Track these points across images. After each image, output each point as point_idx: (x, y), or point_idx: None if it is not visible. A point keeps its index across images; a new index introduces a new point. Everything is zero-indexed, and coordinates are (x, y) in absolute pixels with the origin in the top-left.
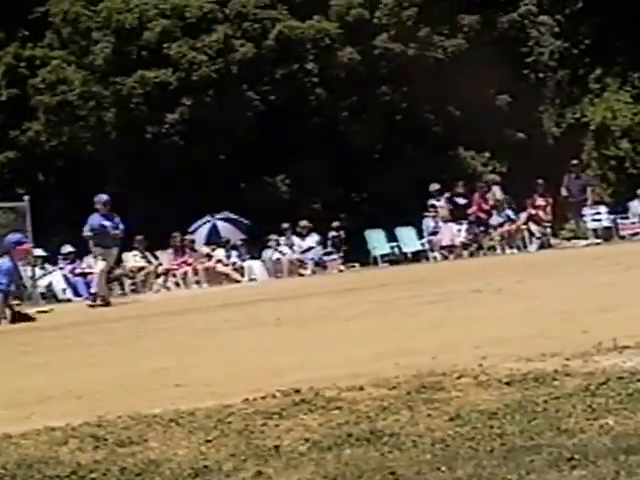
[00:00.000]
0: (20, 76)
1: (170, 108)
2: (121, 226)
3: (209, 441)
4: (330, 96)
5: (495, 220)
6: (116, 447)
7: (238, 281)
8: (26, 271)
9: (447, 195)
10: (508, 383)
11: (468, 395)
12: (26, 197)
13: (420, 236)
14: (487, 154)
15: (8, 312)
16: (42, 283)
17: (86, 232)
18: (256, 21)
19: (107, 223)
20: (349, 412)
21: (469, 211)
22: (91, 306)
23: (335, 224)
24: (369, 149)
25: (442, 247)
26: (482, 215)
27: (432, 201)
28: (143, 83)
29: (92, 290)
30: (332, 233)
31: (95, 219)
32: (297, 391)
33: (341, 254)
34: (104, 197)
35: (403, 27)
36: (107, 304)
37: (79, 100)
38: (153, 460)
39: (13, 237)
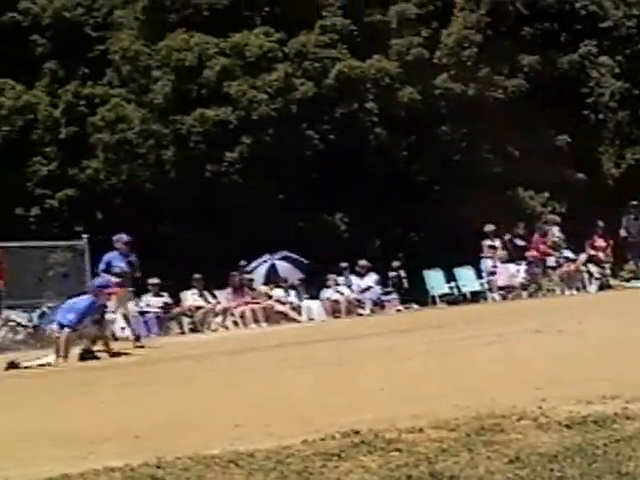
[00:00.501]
0: (79, 114)
1: (229, 146)
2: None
3: None
4: (390, 135)
5: (554, 261)
6: None
7: (296, 321)
8: None
9: (507, 237)
10: (568, 426)
11: (528, 437)
12: (84, 235)
13: (479, 276)
14: (546, 194)
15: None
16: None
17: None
18: (316, 60)
19: (123, 264)
20: (408, 454)
21: (528, 252)
22: (140, 346)
23: (395, 264)
24: (428, 188)
25: (501, 287)
26: (541, 256)
27: (488, 241)
28: (202, 121)
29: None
30: (392, 273)
31: (116, 259)
32: (356, 432)
33: (400, 294)
34: (125, 237)
35: (463, 67)
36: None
37: (138, 138)
38: None
39: (98, 280)
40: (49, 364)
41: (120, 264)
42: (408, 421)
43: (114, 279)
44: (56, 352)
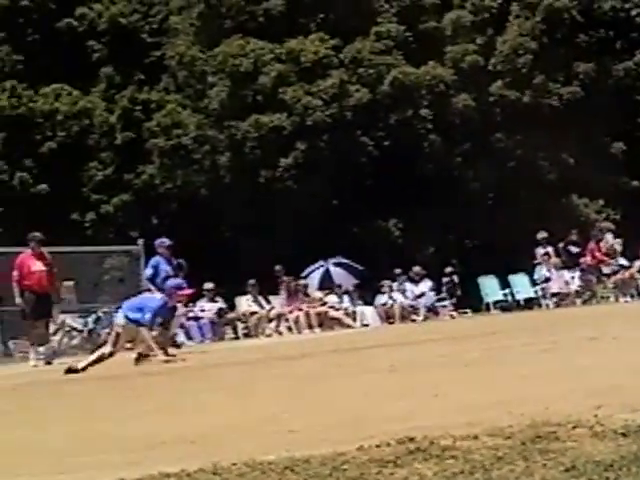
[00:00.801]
0: (135, 119)
1: (284, 152)
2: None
3: None
4: (444, 142)
5: (609, 268)
6: None
7: (350, 326)
8: None
9: (561, 244)
10: (624, 434)
11: (583, 446)
12: (140, 240)
13: (533, 283)
14: (601, 202)
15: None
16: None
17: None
18: (371, 66)
19: (168, 268)
20: (464, 461)
21: (582, 259)
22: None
23: (448, 269)
24: (482, 195)
25: (554, 294)
26: (595, 263)
27: (541, 249)
28: (257, 127)
29: None
30: (445, 278)
31: (162, 263)
32: (411, 439)
33: (454, 300)
34: (166, 241)
35: (518, 74)
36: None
37: (194, 144)
38: None
39: (173, 282)
40: (103, 354)
41: (166, 268)
42: (463, 428)
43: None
44: (112, 344)
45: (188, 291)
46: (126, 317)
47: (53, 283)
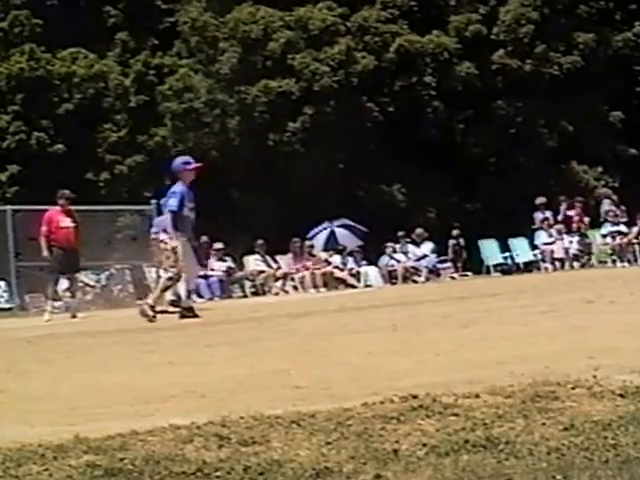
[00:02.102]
0: (149, 83)
1: (292, 117)
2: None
3: (329, 443)
4: (447, 108)
5: (607, 232)
6: (240, 446)
7: (354, 286)
8: (150, 272)
9: (561, 208)
10: (622, 395)
11: (582, 405)
12: (153, 200)
13: (532, 247)
14: (599, 168)
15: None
16: None
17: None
18: (377, 34)
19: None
20: (465, 419)
21: (580, 224)
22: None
23: (455, 232)
24: (484, 160)
25: (553, 258)
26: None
27: (540, 213)
28: (266, 92)
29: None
30: (452, 241)
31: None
32: (414, 397)
33: (460, 262)
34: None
35: (520, 43)
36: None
37: (205, 107)
38: (276, 460)
39: (180, 159)
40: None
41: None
42: (464, 387)
43: None
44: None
45: (196, 165)
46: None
47: (78, 239)
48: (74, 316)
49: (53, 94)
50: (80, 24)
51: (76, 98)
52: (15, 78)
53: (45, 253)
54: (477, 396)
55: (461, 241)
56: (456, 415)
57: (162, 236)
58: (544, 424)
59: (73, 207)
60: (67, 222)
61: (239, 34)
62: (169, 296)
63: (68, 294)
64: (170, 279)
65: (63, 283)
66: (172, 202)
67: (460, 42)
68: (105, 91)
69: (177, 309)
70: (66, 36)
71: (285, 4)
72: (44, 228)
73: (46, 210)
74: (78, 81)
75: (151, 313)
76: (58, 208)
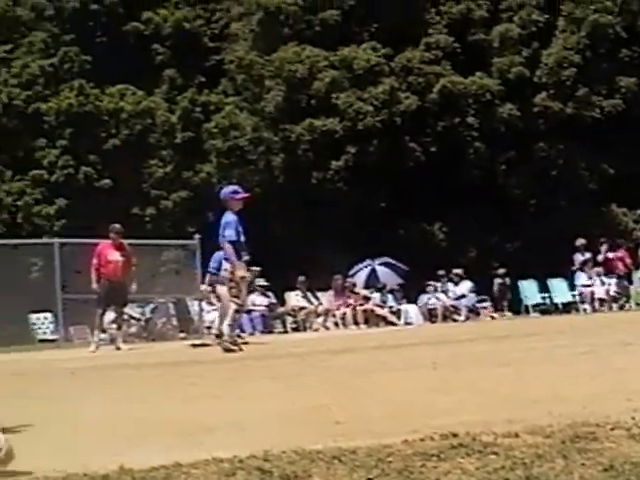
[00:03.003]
0: (195, 120)
1: (335, 155)
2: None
3: (370, 479)
4: (488, 149)
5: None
6: None
7: (394, 324)
8: (193, 305)
9: (602, 250)
10: None
11: (621, 447)
12: (196, 235)
13: (571, 288)
14: (639, 211)
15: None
16: (208, 317)
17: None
18: (421, 75)
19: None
20: (505, 458)
21: (619, 266)
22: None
23: (501, 271)
24: (524, 201)
25: (592, 300)
26: (628, 270)
27: (579, 255)
28: (311, 130)
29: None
30: (498, 280)
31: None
32: (454, 435)
33: (505, 301)
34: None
35: (562, 86)
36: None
37: (250, 145)
38: None
39: (228, 188)
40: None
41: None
42: (503, 425)
43: None
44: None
45: (244, 195)
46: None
47: (128, 273)
48: (118, 348)
49: (101, 129)
50: (128, 61)
51: (123, 134)
52: (64, 113)
53: (94, 285)
54: (517, 435)
55: (507, 280)
56: (496, 454)
57: (225, 265)
58: (583, 465)
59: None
60: (116, 256)
61: (284, 73)
62: (214, 330)
63: (114, 326)
64: (237, 311)
65: (109, 315)
66: (228, 232)
67: (503, 84)
68: (152, 127)
69: (220, 342)
70: (114, 72)
71: (330, 44)
72: (94, 261)
73: (92, 243)
74: (126, 117)
75: (235, 347)
76: (109, 242)
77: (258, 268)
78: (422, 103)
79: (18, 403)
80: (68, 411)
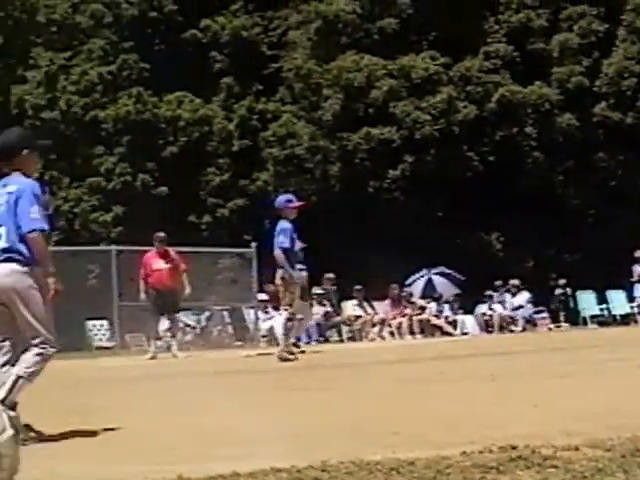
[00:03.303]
0: (252, 128)
1: (392, 164)
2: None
3: None
4: (547, 159)
5: None
6: None
7: (451, 334)
8: (249, 314)
9: None
10: None
11: None
12: (253, 244)
13: (630, 299)
14: None
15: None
16: (264, 326)
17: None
18: (479, 84)
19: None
20: (565, 471)
21: None
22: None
23: (562, 282)
24: (583, 212)
25: None
26: None
27: (637, 267)
28: (368, 139)
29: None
30: (558, 290)
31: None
32: (513, 447)
33: (565, 312)
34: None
35: (622, 96)
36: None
37: (306, 153)
38: None
39: (282, 197)
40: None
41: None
42: (562, 438)
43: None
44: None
45: (298, 203)
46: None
47: (176, 280)
48: (175, 356)
49: (159, 137)
50: (186, 68)
51: (181, 141)
52: (122, 121)
53: (142, 296)
54: (576, 448)
55: (568, 291)
56: (555, 467)
57: (278, 273)
58: None
59: (175, 248)
60: (160, 264)
61: (342, 81)
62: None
63: (169, 334)
64: (289, 319)
65: (164, 323)
66: (282, 239)
67: (562, 94)
68: (209, 135)
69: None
70: (172, 80)
71: (388, 53)
72: (141, 271)
73: (149, 251)
74: (183, 125)
75: (291, 357)
76: (154, 251)
77: (332, 275)
78: (480, 112)
79: (78, 411)
80: (124, 420)
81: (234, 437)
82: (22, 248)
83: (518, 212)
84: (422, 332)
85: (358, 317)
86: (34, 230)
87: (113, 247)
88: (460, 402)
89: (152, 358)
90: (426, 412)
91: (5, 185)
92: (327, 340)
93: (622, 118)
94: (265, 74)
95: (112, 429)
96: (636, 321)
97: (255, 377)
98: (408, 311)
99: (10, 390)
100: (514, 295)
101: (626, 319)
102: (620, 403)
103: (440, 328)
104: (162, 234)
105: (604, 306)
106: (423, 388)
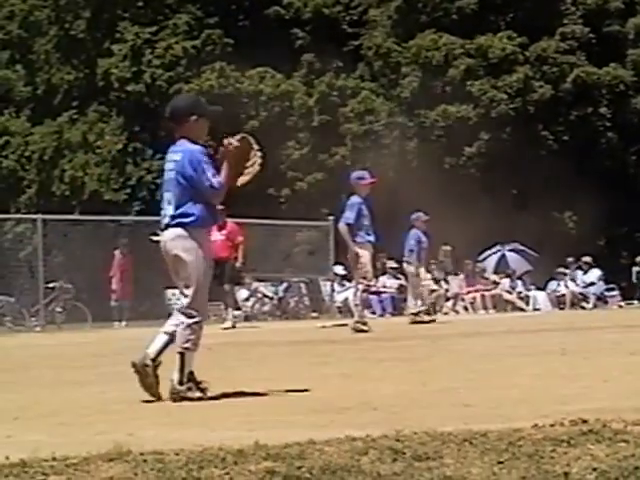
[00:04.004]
0: (332, 104)
1: (469, 141)
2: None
3: (501, 462)
4: (621, 140)
5: None
6: (414, 461)
7: (523, 310)
8: (325, 286)
9: None
10: None
11: None
12: (330, 217)
13: None
14: None
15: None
16: (339, 298)
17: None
18: (555, 65)
19: (424, 239)
20: (635, 446)
21: None
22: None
23: (639, 259)
24: None
25: None
26: None
27: None
28: (445, 116)
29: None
30: (636, 268)
31: (417, 235)
32: (584, 421)
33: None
34: (423, 216)
35: None
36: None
37: (384, 129)
38: (448, 476)
39: (355, 174)
40: None
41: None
42: (633, 414)
43: None
44: None
45: (370, 180)
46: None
47: (230, 251)
48: (233, 326)
49: (241, 111)
50: (269, 45)
51: (262, 115)
52: (205, 94)
53: None
54: None
55: None
56: (626, 442)
57: (354, 247)
58: None
59: (257, 221)
60: (216, 235)
61: (421, 60)
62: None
63: (249, 304)
64: (363, 291)
65: (242, 293)
66: (348, 214)
67: (637, 75)
68: (290, 110)
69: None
70: (255, 56)
71: (466, 32)
72: None
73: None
74: (265, 99)
75: (365, 327)
76: None
77: (448, 247)
78: (556, 92)
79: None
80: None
81: (309, 406)
82: (189, 213)
83: (591, 191)
84: (495, 307)
85: (433, 291)
86: (215, 190)
87: None
88: (532, 376)
89: (231, 327)
90: (498, 385)
91: (172, 152)
92: (401, 313)
93: None
94: (345, 51)
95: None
96: None
97: (331, 347)
98: (481, 286)
99: (181, 369)
100: (586, 272)
101: None
102: None
103: (512, 303)
104: (221, 207)
105: None
106: (495, 361)
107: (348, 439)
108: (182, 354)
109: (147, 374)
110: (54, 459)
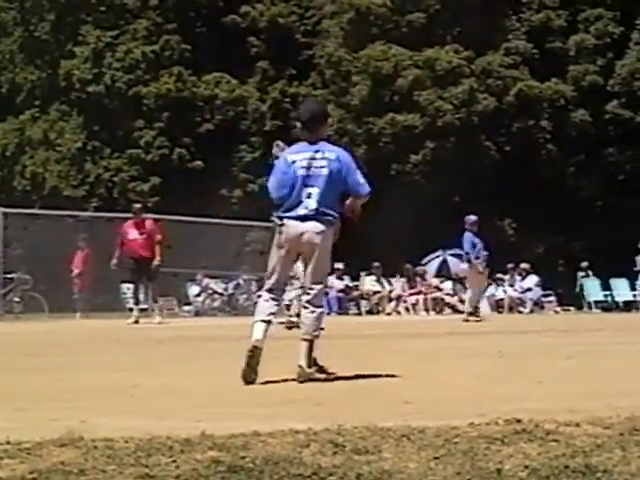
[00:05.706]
0: (284, 110)
1: (415, 149)
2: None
3: (437, 458)
4: (560, 152)
5: None
6: (353, 454)
7: (462, 312)
8: None
9: None
10: None
11: None
12: None
13: (632, 287)
14: None
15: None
16: (287, 296)
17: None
18: (499, 78)
19: (477, 240)
20: (566, 445)
21: None
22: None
23: (584, 264)
24: (591, 203)
25: None
26: None
27: None
28: (392, 125)
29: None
30: (580, 273)
31: (470, 238)
32: (518, 421)
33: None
34: (472, 218)
35: (634, 96)
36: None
37: (335, 135)
38: (386, 470)
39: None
40: None
41: (475, 240)
42: (565, 415)
43: None
44: None
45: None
46: None
47: (150, 250)
48: (137, 322)
49: (196, 114)
50: (225, 51)
51: (217, 119)
52: (162, 97)
53: (114, 261)
54: (577, 425)
55: (590, 273)
56: (557, 441)
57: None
58: None
59: (208, 220)
60: (134, 234)
61: (371, 69)
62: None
63: (199, 299)
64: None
65: (194, 289)
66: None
67: (577, 90)
68: (243, 114)
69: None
70: (211, 61)
71: (415, 44)
72: (118, 239)
73: (184, 221)
74: (220, 104)
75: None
76: (131, 221)
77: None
78: (499, 104)
79: (106, 367)
80: (155, 378)
81: (256, 399)
82: (331, 211)
83: (530, 201)
84: (435, 309)
85: (376, 292)
86: (368, 193)
87: (150, 215)
88: (470, 376)
89: (135, 322)
90: (437, 384)
91: (319, 151)
92: (346, 313)
93: (633, 116)
94: (298, 59)
95: (141, 385)
96: (637, 308)
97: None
98: (423, 289)
99: (309, 355)
100: (524, 278)
101: (628, 306)
102: (622, 384)
103: (452, 306)
104: (139, 205)
105: (608, 292)
106: (435, 361)
107: (291, 432)
108: (311, 341)
109: (258, 356)
110: (8, 442)
